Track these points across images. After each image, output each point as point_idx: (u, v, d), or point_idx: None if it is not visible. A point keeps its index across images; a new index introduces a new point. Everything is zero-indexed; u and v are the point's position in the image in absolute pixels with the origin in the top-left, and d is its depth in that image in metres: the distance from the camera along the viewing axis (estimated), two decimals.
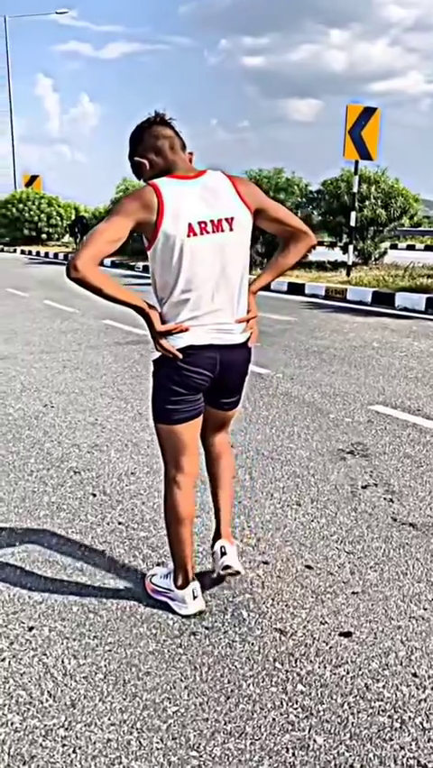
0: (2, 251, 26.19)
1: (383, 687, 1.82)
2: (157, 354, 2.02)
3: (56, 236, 26.34)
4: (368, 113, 10.65)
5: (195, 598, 2.15)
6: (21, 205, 25.52)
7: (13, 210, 25.58)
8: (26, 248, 24.81)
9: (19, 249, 25.10)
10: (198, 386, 2.01)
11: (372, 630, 2.07)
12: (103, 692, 1.82)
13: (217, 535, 2.29)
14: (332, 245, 16.27)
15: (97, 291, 1.85)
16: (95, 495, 3.11)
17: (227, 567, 2.19)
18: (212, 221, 1.90)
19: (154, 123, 1.98)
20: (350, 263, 12.18)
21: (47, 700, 1.80)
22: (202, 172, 1.97)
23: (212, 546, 2.30)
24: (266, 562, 2.48)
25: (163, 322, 1.97)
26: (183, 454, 2.09)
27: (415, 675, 1.86)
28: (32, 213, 25.39)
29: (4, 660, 1.96)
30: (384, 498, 3.03)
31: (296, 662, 1.93)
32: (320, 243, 17.22)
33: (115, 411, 4.47)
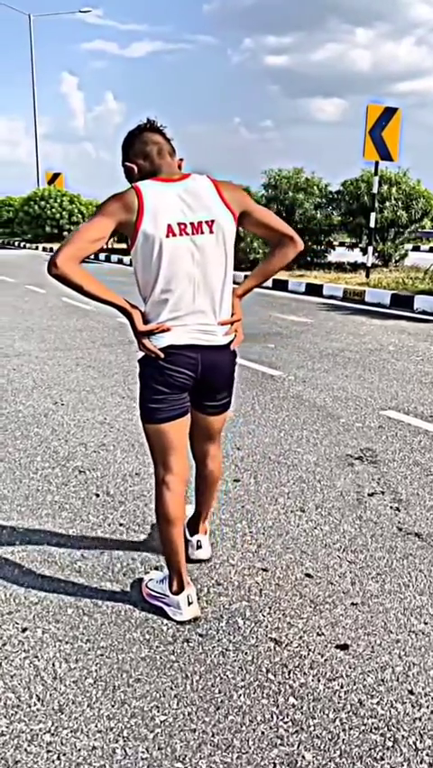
0: (24, 247, 26.41)
1: (377, 703, 1.77)
2: (142, 354, 2.05)
3: None
4: (389, 113, 10.51)
5: (190, 604, 2.12)
6: (43, 203, 25.68)
7: (36, 207, 25.75)
8: (47, 245, 24.97)
9: (41, 246, 25.29)
10: (180, 385, 2.03)
11: (369, 643, 2.02)
12: (91, 698, 1.80)
13: (195, 530, 2.49)
14: (352, 246, 16.13)
15: (78, 288, 1.89)
16: (98, 495, 3.10)
17: (201, 560, 2.47)
18: (191, 223, 1.93)
19: (144, 130, 2.03)
20: (369, 265, 12.05)
21: (35, 704, 1.78)
22: (186, 176, 1.99)
23: (190, 535, 2.49)
24: (265, 569, 2.44)
25: (147, 321, 2.00)
26: (170, 454, 2.10)
27: (411, 692, 1.81)
28: (53, 210, 25.54)
29: None
30: (390, 507, 2.97)
31: (289, 673, 1.89)
32: (341, 244, 17.10)
33: (124, 410, 4.45)
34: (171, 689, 1.83)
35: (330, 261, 14.84)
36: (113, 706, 1.77)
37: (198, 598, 2.23)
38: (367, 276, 11.79)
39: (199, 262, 1.95)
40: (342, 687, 1.83)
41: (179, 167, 2.05)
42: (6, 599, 2.26)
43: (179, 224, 1.91)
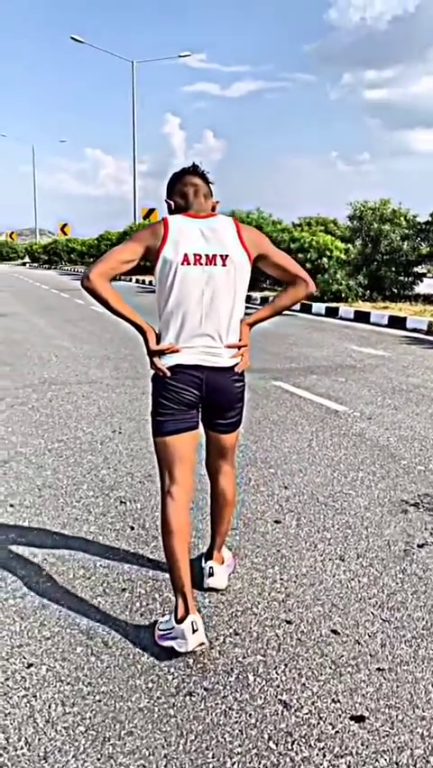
0: (120, 280, 27.52)
1: None
2: (153, 372, 2.20)
3: None
4: None
5: (195, 631, 2.03)
6: None
7: None
8: (140, 277, 25.89)
9: (134, 278, 26.24)
10: (186, 401, 2.16)
11: (389, 718, 1.80)
12: (79, 748, 1.71)
13: (209, 556, 2.53)
14: None
15: (104, 303, 2.10)
16: (133, 528, 3.04)
17: (212, 588, 2.46)
18: (207, 255, 2.09)
19: (187, 173, 2.23)
20: None
21: (21, 748, 1.71)
22: (213, 215, 2.17)
23: (204, 561, 2.55)
24: (289, 622, 2.27)
25: (159, 340, 2.17)
26: (176, 466, 2.19)
27: None
28: None
29: None
30: None
31: (293, 744, 1.71)
32: None
33: None
34: (163, 747, 1.71)
35: (418, 293, 14.33)
36: (98, 759, 1.67)
37: (212, 647, 2.10)
38: None
39: (210, 290, 2.10)
40: (349, 766, 1.63)
41: (213, 208, 2.22)
42: (20, 632, 2.23)
43: (195, 255, 2.09)
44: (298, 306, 13.47)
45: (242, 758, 1.67)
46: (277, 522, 3.09)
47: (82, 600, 2.42)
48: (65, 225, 42.44)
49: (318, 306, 13.19)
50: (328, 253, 15.15)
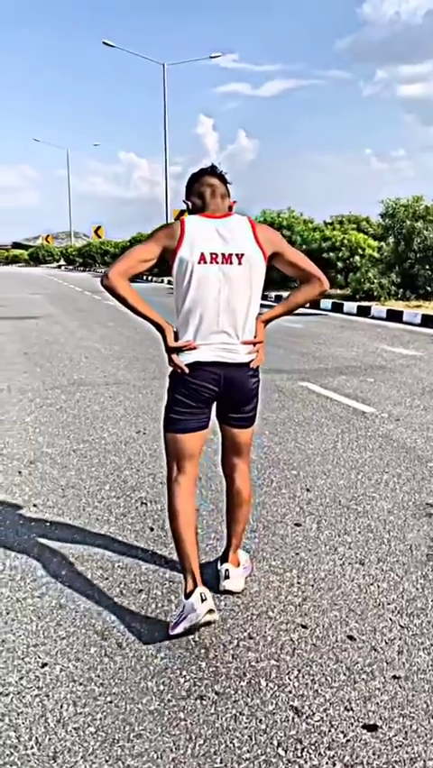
0: (150, 281, 27.71)
1: None
2: (171, 369, 2.26)
3: None
4: None
5: (204, 600, 2.07)
6: None
7: None
8: (171, 278, 26.03)
9: (166, 279, 26.39)
10: (203, 398, 2.23)
11: (403, 727, 1.76)
12: (88, 749, 1.71)
13: (225, 558, 2.53)
14: None
15: (123, 301, 2.17)
16: (152, 529, 3.05)
17: (228, 591, 2.44)
18: (223, 254, 2.14)
19: (205, 174, 2.27)
20: None
21: (32, 748, 1.72)
22: (229, 214, 2.22)
23: (220, 563, 2.55)
24: (305, 626, 2.23)
25: (177, 338, 2.22)
26: (184, 459, 2.29)
27: None
28: None
29: (8, 695, 1.93)
30: None
31: (302, 751, 1.68)
32: None
33: None
34: (171, 750, 1.70)
35: None
36: (107, 761, 1.67)
37: (225, 651, 2.09)
38: None
39: (226, 288, 2.15)
40: None
41: (230, 208, 2.27)
42: (36, 631, 2.25)
43: (211, 254, 2.14)
44: (329, 306, 13.34)
45: (250, 764, 1.64)
46: (297, 525, 3.06)
47: (99, 601, 2.43)
48: (98, 228, 42.90)
49: (350, 306, 13.03)
50: (360, 251, 14.98)
